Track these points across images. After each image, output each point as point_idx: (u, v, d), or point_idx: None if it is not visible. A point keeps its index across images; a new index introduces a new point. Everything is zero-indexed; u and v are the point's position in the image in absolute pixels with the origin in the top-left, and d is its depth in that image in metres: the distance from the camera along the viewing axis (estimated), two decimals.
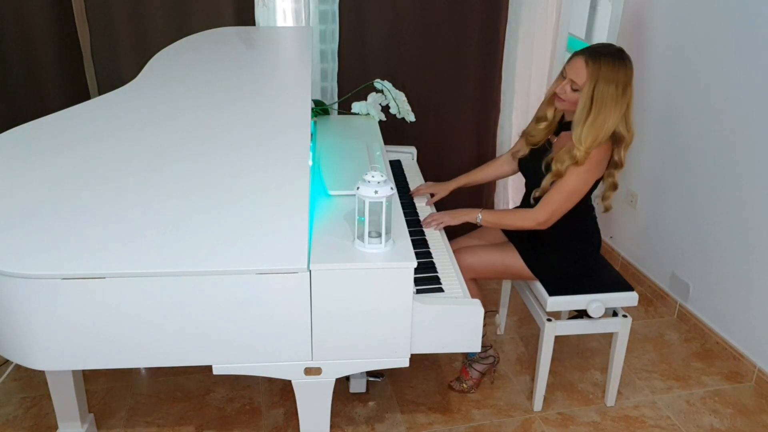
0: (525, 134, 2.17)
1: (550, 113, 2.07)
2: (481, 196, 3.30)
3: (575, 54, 1.93)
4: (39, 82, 2.71)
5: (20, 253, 1.38)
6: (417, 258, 1.52)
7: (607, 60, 1.87)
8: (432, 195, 2.29)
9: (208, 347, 1.47)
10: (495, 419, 2.22)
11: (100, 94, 2.73)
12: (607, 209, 2.09)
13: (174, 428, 2.16)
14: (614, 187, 2.04)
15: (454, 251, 1.97)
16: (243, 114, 1.94)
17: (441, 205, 2.30)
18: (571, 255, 2.12)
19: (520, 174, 2.25)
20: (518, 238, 2.17)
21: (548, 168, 1.99)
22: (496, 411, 2.26)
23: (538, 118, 2.12)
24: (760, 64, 2.30)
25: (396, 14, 2.88)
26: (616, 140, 1.94)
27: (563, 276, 2.12)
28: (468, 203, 3.25)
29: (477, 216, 2.04)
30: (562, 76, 1.96)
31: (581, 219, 2.10)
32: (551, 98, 2.03)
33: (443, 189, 2.31)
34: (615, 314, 2.16)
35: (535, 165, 2.09)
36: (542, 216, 1.98)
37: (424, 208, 2.23)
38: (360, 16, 2.85)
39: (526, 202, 2.20)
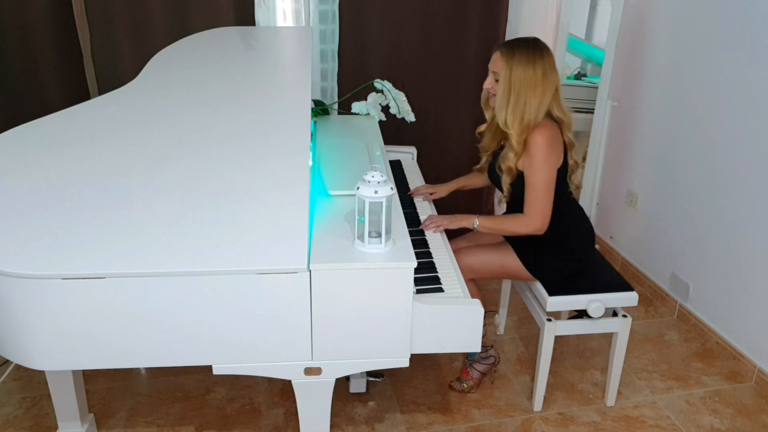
0: (480, 149, 2.22)
1: (488, 114, 2.13)
2: (481, 196, 3.30)
3: (494, 49, 2.02)
4: (39, 82, 2.71)
5: (20, 253, 1.38)
6: (417, 258, 1.52)
7: (521, 48, 1.96)
8: (431, 194, 2.30)
9: (208, 347, 1.48)
10: (495, 419, 2.22)
11: (100, 94, 2.73)
12: (578, 187, 2.16)
13: (174, 428, 2.16)
14: (576, 165, 2.11)
15: (452, 252, 1.97)
16: (243, 114, 1.94)
17: (440, 208, 2.30)
18: (567, 252, 2.12)
19: None
20: (515, 238, 2.16)
21: (500, 169, 2.04)
22: (496, 411, 2.26)
23: (482, 127, 2.18)
24: (760, 64, 2.30)
25: (396, 14, 2.88)
26: (558, 123, 2.02)
27: (561, 273, 2.12)
28: (468, 203, 3.27)
29: (474, 222, 2.04)
30: (488, 74, 2.05)
31: (572, 215, 2.11)
32: (487, 99, 2.10)
33: (443, 189, 2.34)
34: (615, 314, 2.16)
35: (495, 171, 2.13)
36: (536, 222, 1.99)
37: (424, 208, 2.23)
38: (360, 16, 2.85)
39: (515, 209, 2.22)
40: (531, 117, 1.94)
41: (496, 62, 1.98)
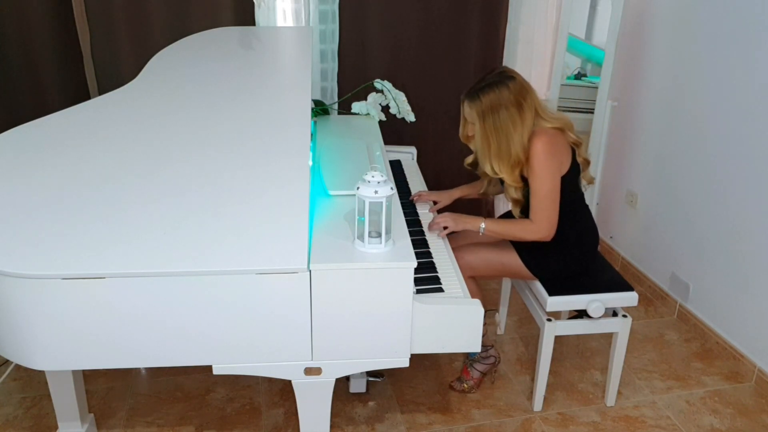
0: (480, 173, 2.18)
1: (472, 145, 2.10)
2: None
3: (461, 97, 1.98)
4: (39, 82, 2.71)
5: (20, 253, 1.38)
6: (417, 258, 1.52)
7: (486, 91, 1.90)
8: (435, 202, 2.28)
9: (208, 347, 1.47)
10: (495, 419, 2.22)
11: (100, 94, 2.73)
12: (589, 182, 2.14)
13: (174, 428, 2.16)
14: (586, 163, 2.09)
15: (452, 249, 1.97)
16: (243, 114, 1.94)
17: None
18: (569, 253, 2.12)
19: None
20: None
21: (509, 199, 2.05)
22: (496, 411, 2.26)
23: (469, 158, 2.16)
24: (760, 64, 2.30)
25: (396, 14, 2.88)
26: (558, 129, 1.97)
27: (561, 275, 2.12)
28: (469, 204, 3.27)
29: (480, 225, 2.00)
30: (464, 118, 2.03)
31: (577, 217, 2.11)
32: (466, 134, 2.07)
33: (447, 197, 2.30)
34: (615, 314, 2.16)
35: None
36: (543, 230, 1.98)
37: (426, 213, 2.21)
38: (360, 16, 2.86)
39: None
40: (518, 150, 1.92)
41: (468, 113, 1.96)
